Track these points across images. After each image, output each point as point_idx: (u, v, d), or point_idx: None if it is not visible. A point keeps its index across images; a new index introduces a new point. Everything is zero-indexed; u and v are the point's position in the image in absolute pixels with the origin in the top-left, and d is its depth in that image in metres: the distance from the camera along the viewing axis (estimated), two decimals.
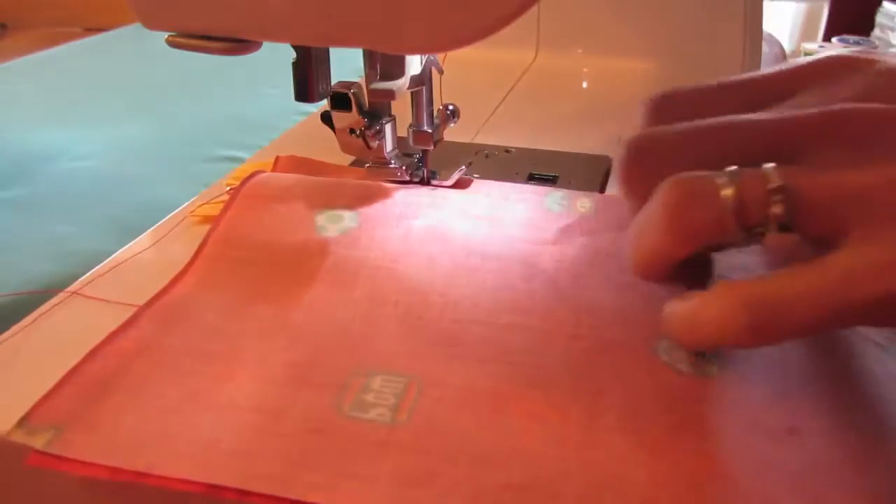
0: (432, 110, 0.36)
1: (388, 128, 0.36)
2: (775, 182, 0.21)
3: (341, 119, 0.35)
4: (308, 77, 0.32)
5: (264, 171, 0.37)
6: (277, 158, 0.39)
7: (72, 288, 0.31)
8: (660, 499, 0.20)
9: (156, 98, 0.67)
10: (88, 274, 0.32)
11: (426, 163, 0.37)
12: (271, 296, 0.29)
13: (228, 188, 0.37)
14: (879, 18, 1.01)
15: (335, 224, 0.33)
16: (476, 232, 0.32)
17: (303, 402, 0.23)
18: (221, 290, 0.29)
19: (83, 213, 0.45)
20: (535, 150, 0.43)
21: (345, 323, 0.27)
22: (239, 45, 0.28)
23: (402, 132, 0.37)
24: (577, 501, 0.20)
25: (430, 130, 0.36)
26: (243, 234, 0.32)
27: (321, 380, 0.24)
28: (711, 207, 0.22)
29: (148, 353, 0.26)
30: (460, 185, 0.37)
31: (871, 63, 0.24)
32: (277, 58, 0.34)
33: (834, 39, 0.87)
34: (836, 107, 0.23)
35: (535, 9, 0.24)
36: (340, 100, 0.34)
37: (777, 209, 0.21)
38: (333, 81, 0.34)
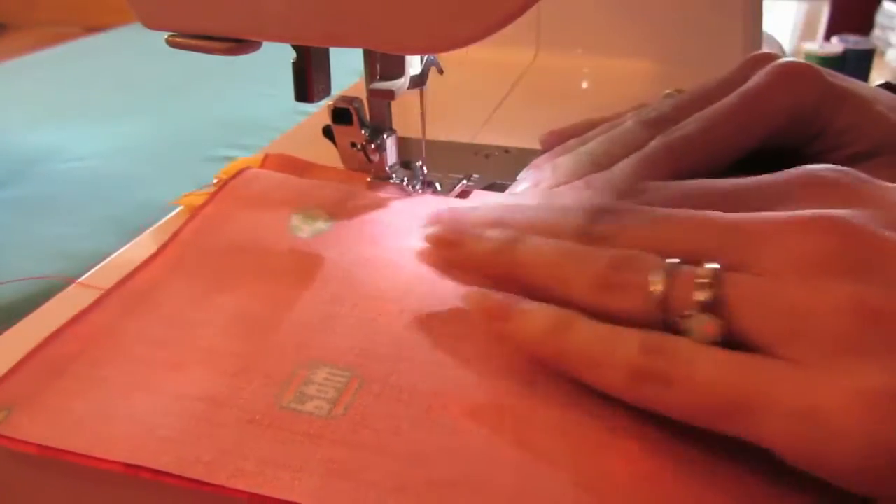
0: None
1: (389, 142, 0.36)
2: (705, 281, 0.21)
3: (343, 133, 0.35)
4: (308, 77, 0.32)
5: (252, 168, 0.37)
6: (266, 156, 0.39)
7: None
8: (586, 501, 0.20)
9: (156, 98, 0.67)
10: (88, 274, 0.32)
11: (424, 176, 0.37)
12: (235, 289, 0.29)
13: (216, 180, 0.37)
14: (879, 18, 1.01)
15: (309, 225, 0.33)
16: None
17: (245, 392, 0.24)
18: (188, 279, 0.30)
19: (83, 213, 0.45)
20: (535, 151, 0.43)
21: (301, 320, 0.28)
22: (239, 45, 0.28)
23: (402, 133, 0.37)
24: (502, 500, 0.20)
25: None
26: (218, 227, 0.33)
27: (267, 372, 0.25)
28: (638, 295, 0.22)
29: (105, 337, 0.27)
30: (461, 197, 0.37)
31: (856, 192, 0.23)
32: (277, 58, 0.34)
33: (834, 39, 0.87)
34: (812, 213, 0.21)
35: (535, 9, 0.24)
36: (342, 114, 0.34)
37: (701, 297, 0.21)
38: (333, 81, 0.34)
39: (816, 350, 0.19)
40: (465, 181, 0.38)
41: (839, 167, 0.23)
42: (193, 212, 0.34)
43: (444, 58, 0.34)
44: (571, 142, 0.36)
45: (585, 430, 0.22)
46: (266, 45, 0.29)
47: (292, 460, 0.22)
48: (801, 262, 0.21)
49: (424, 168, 0.37)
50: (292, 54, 0.32)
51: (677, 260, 0.22)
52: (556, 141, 0.37)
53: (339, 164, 0.38)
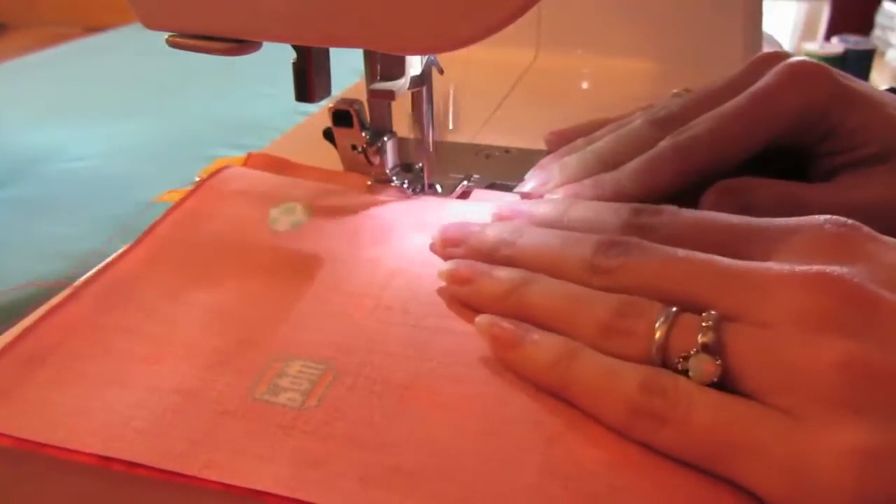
0: (432, 113, 0.36)
1: (389, 144, 0.36)
2: (707, 324, 0.22)
3: (343, 136, 0.35)
4: (308, 77, 0.32)
5: (233, 166, 0.37)
6: (249, 155, 0.39)
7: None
8: (548, 486, 0.20)
9: (155, 98, 0.67)
10: (88, 274, 0.32)
11: (427, 174, 0.37)
12: (212, 283, 0.30)
13: (198, 179, 0.37)
14: (879, 18, 1.01)
15: (288, 217, 0.33)
16: (425, 239, 0.32)
17: (219, 385, 0.24)
18: (167, 272, 0.30)
19: (83, 213, 0.45)
20: (535, 151, 0.43)
21: (277, 314, 0.28)
22: (239, 45, 0.28)
23: (402, 134, 0.37)
24: (465, 487, 0.21)
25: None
26: (197, 221, 0.33)
27: (242, 365, 0.25)
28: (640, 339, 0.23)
29: (83, 329, 0.27)
30: (462, 198, 0.37)
31: (869, 244, 0.23)
32: (277, 58, 0.34)
33: (834, 39, 0.87)
34: (814, 270, 0.22)
35: (535, 9, 0.24)
36: (342, 116, 0.34)
37: (703, 339, 0.22)
38: (333, 81, 0.34)
39: (809, 404, 0.20)
40: (465, 181, 0.38)
41: (846, 220, 0.23)
42: (173, 206, 0.34)
43: (444, 58, 0.34)
44: (578, 141, 0.36)
45: (555, 418, 0.23)
46: (266, 45, 0.29)
47: (263, 450, 0.22)
48: (800, 317, 0.21)
49: (425, 170, 0.37)
50: (292, 54, 0.32)
51: (675, 308, 0.23)
52: (560, 141, 0.37)
53: (339, 166, 0.38)
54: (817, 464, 0.19)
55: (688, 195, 0.31)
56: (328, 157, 0.38)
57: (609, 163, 0.32)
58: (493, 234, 0.29)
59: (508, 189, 0.37)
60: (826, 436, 0.19)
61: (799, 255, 0.23)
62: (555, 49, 0.58)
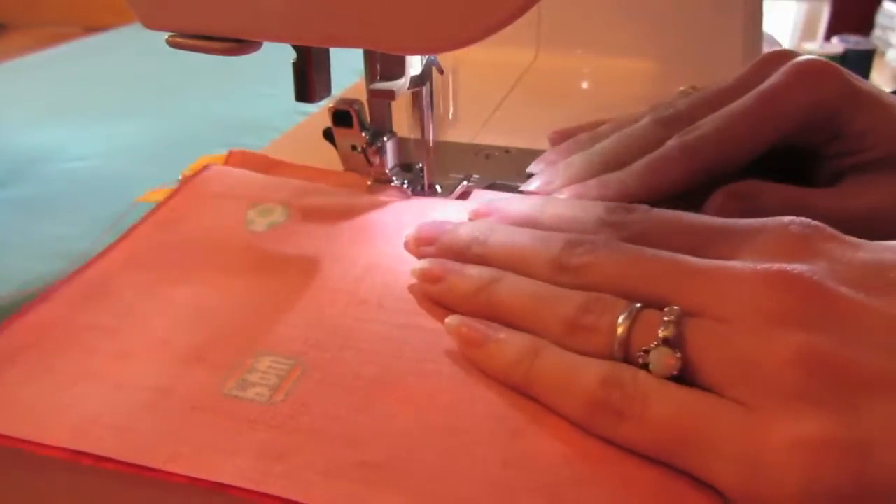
0: (432, 112, 0.36)
1: (389, 144, 0.36)
2: (668, 319, 0.22)
3: (343, 136, 0.35)
4: (308, 77, 0.32)
5: (215, 165, 0.38)
6: (230, 153, 0.40)
7: None
8: (509, 480, 0.21)
9: (155, 98, 0.67)
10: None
11: (427, 175, 0.37)
12: (189, 281, 0.30)
13: (181, 178, 0.37)
14: (879, 18, 1.01)
15: (265, 218, 0.34)
16: (402, 238, 0.32)
17: (191, 381, 0.25)
18: (144, 270, 0.31)
19: (83, 213, 0.45)
20: (534, 151, 0.43)
21: (249, 311, 0.28)
22: (239, 45, 0.28)
23: (402, 134, 0.37)
24: (429, 479, 0.21)
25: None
26: (176, 221, 0.34)
27: (213, 361, 0.26)
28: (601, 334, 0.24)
29: (59, 327, 0.27)
30: (462, 198, 0.37)
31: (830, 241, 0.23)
32: (277, 58, 0.34)
33: (834, 39, 0.88)
34: (774, 268, 0.22)
35: (535, 9, 0.24)
36: (342, 116, 0.34)
37: (663, 333, 0.22)
38: (333, 81, 0.34)
39: (764, 396, 0.20)
40: (465, 181, 0.38)
41: (810, 221, 0.24)
42: (156, 206, 0.35)
43: (444, 58, 0.34)
44: (582, 136, 0.36)
45: (520, 414, 0.23)
46: (266, 45, 0.29)
47: (229, 444, 0.22)
48: (759, 312, 0.21)
49: (425, 170, 0.37)
50: (292, 54, 0.32)
51: (639, 305, 0.24)
52: (563, 141, 0.37)
53: (339, 166, 0.38)
54: (768, 455, 0.19)
55: (693, 196, 0.31)
56: (328, 158, 0.38)
57: (614, 163, 0.32)
58: (465, 232, 0.29)
59: (508, 189, 0.37)
60: (778, 427, 0.20)
61: (763, 253, 0.23)
62: (555, 49, 0.58)
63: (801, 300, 0.21)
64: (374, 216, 0.34)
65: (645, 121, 0.33)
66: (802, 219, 0.24)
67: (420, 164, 0.37)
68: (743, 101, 0.31)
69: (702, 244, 0.25)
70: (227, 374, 0.25)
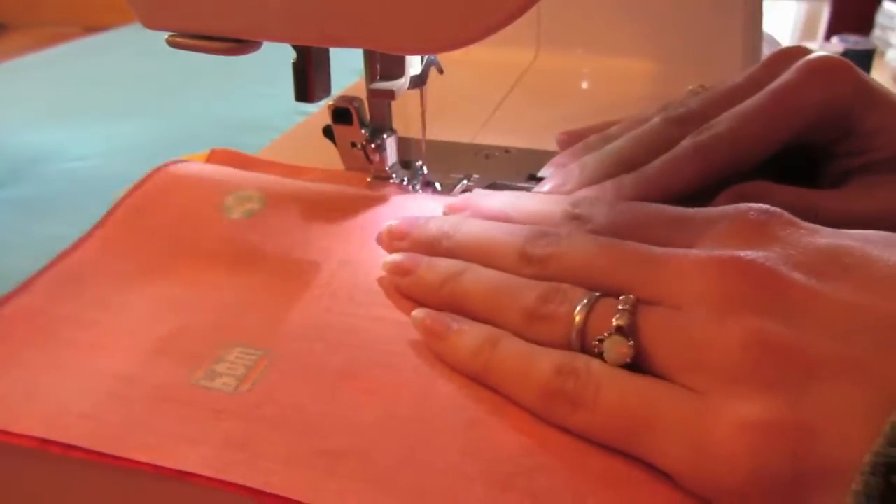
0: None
1: (389, 142, 0.36)
2: (623, 308, 0.23)
3: (343, 133, 0.35)
4: (308, 77, 0.32)
5: (193, 161, 0.38)
6: (212, 151, 0.40)
7: None
8: (467, 469, 0.21)
9: (155, 98, 0.67)
10: None
11: (424, 176, 0.37)
12: (164, 271, 0.30)
13: None
14: (879, 18, 1.01)
15: (242, 206, 0.33)
16: (376, 232, 0.32)
17: (160, 371, 0.25)
18: (120, 260, 0.31)
19: (83, 213, 0.45)
20: (534, 151, 0.43)
21: (224, 302, 0.28)
22: (239, 45, 0.28)
23: (402, 133, 0.37)
24: (388, 468, 0.21)
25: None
26: (151, 209, 0.34)
27: (184, 351, 0.26)
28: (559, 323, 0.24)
29: (34, 318, 0.28)
30: None
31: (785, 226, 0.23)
32: (277, 58, 0.34)
33: (834, 39, 0.87)
34: (727, 254, 0.22)
35: (535, 9, 0.24)
36: (342, 114, 0.34)
37: (617, 322, 0.23)
38: (333, 81, 0.34)
39: (713, 381, 0.20)
40: (465, 181, 0.38)
41: (769, 208, 0.24)
42: (128, 192, 0.35)
43: (444, 58, 0.34)
44: (593, 137, 0.36)
45: (479, 404, 0.23)
46: (266, 45, 0.29)
47: (195, 433, 0.22)
48: (711, 299, 0.22)
49: (424, 168, 0.37)
50: (292, 54, 0.32)
51: (598, 294, 0.24)
52: (572, 142, 0.37)
53: (339, 164, 0.38)
54: (714, 438, 0.20)
55: (704, 196, 0.31)
56: (328, 157, 0.38)
57: (628, 162, 0.32)
58: (435, 226, 0.30)
59: (508, 189, 0.37)
60: (724, 411, 0.20)
61: (721, 241, 0.24)
62: (555, 49, 0.58)
63: (753, 286, 0.21)
64: (350, 210, 0.34)
65: (657, 120, 0.33)
66: (762, 206, 0.24)
67: (420, 162, 0.37)
68: (756, 99, 0.31)
69: (666, 234, 0.25)
70: (197, 364, 0.25)
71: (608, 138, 0.35)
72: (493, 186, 0.38)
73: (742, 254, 0.22)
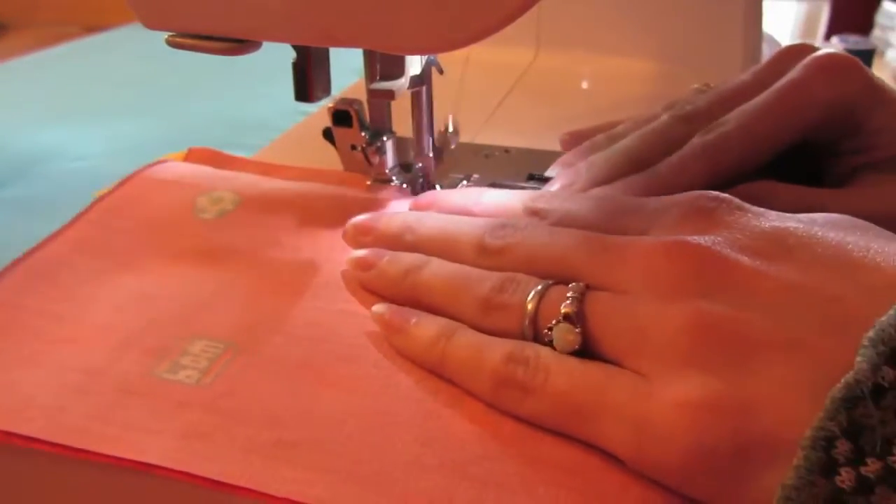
0: (431, 114, 0.36)
1: (389, 144, 0.36)
2: (571, 295, 0.23)
3: (343, 135, 0.35)
4: (308, 77, 0.32)
5: (171, 161, 0.38)
6: (190, 150, 0.40)
7: None
8: (424, 458, 0.21)
9: (156, 98, 0.67)
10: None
11: (428, 177, 0.37)
12: (134, 267, 0.30)
13: None
14: (879, 18, 1.01)
15: (215, 206, 0.34)
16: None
17: (125, 364, 0.25)
18: (92, 256, 0.31)
19: None
20: (534, 151, 0.43)
21: (191, 297, 0.29)
22: (239, 45, 0.28)
23: (402, 134, 0.37)
24: (347, 458, 0.21)
25: (431, 155, 0.36)
26: (126, 208, 0.34)
27: (149, 345, 0.26)
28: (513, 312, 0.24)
29: (3, 311, 0.28)
30: None
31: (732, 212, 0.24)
32: (277, 58, 0.34)
33: (834, 39, 0.87)
34: (673, 239, 0.23)
35: (535, 9, 0.24)
36: (342, 116, 0.34)
37: (564, 310, 0.23)
38: (333, 81, 0.34)
39: (657, 363, 0.21)
40: (465, 181, 0.38)
41: (719, 194, 0.24)
42: (106, 193, 0.35)
43: (444, 58, 0.34)
44: (599, 137, 0.36)
45: (437, 395, 0.24)
46: (266, 45, 0.29)
47: (156, 425, 0.23)
48: (657, 283, 0.22)
49: (425, 171, 0.37)
50: (292, 54, 0.32)
51: (551, 282, 0.24)
52: (576, 142, 0.37)
53: (338, 166, 0.38)
54: (654, 417, 0.20)
55: None
56: (328, 158, 0.38)
57: (636, 160, 0.32)
58: (398, 221, 0.30)
59: (508, 189, 0.37)
60: (665, 391, 0.20)
61: (671, 228, 0.24)
62: (555, 49, 0.58)
63: (697, 269, 0.22)
64: (322, 208, 0.34)
65: (664, 118, 0.33)
66: (712, 193, 0.25)
67: (420, 165, 0.37)
68: (764, 96, 0.31)
69: (622, 223, 0.26)
70: (162, 357, 0.25)
71: (614, 137, 0.35)
72: (492, 186, 0.38)
73: (688, 238, 0.22)
